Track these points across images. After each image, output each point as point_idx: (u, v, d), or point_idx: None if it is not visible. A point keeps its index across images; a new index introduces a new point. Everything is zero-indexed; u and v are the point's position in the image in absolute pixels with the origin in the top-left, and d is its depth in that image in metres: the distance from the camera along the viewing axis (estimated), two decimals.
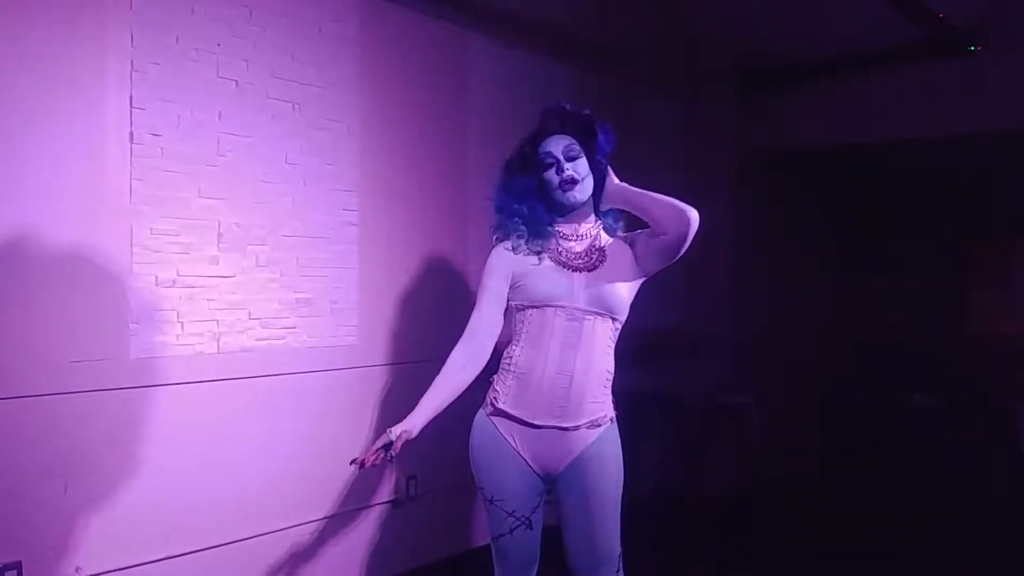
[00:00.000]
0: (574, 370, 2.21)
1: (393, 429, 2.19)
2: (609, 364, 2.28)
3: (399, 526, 3.59)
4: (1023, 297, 6.70)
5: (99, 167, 2.64)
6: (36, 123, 2.51)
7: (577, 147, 2.28)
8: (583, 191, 2.28)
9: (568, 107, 2.33)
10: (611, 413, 2.30)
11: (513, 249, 2.31)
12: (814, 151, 5.57)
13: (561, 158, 2.27)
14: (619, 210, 2.37)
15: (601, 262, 2.27)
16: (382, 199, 3.50)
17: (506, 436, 2.28)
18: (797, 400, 5.79)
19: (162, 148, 2.79)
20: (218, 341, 2.96)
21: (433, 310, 3.64)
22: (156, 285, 2.79)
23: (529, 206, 2.31)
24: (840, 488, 5.22)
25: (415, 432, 2.22)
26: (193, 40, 2.86)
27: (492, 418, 2.30)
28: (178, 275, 2.84)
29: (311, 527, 3.26)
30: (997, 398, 6.10)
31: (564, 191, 2.26)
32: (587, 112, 2.32)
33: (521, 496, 2.28)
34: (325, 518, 3.31)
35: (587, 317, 2.23)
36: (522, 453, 2.27)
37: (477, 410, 2.35)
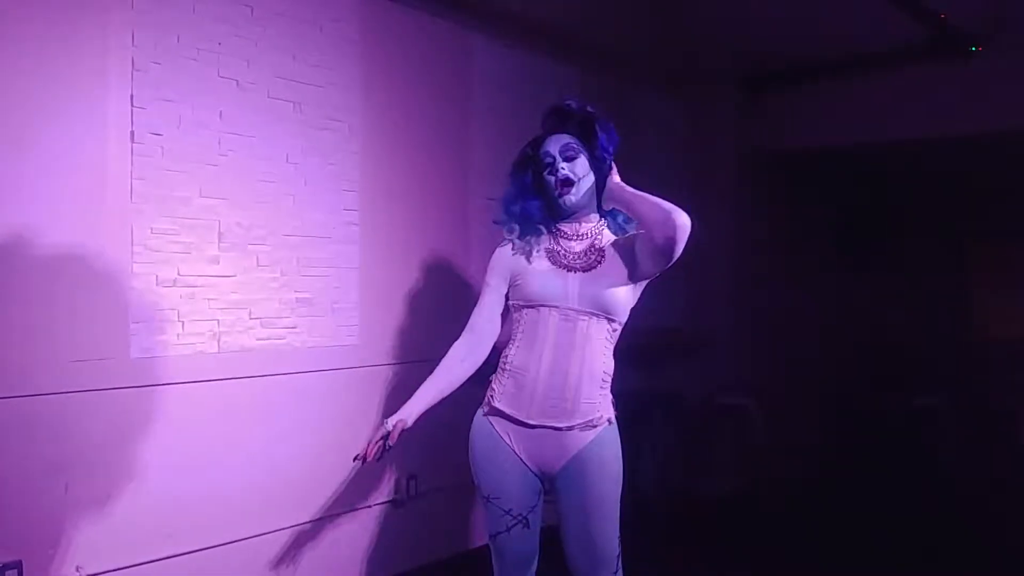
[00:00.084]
0: (568, 370, 2.21)
1: (389, 419, 2.22)
2: (606, 365, 2.27)
3: (399, 526, 3.59)
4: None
5: (100, 166, 2.64)
6: (37, 122, 2.51)
7: (576, 146, 2.27)
8: (578, 193, 2.26)
9: (572, 105, 2.31)
10: (608, 414, 2.28)
11: (512, 248, 2.32)
12: (814, 151, 5.57)
13: (558, 157, 2.27)
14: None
15: (599, 262, 2.26)
16: (383, 199, 3.50)
17: (502, 435, 2.28)
18: (797, 400, 5.79)
19: (163, 147, 2.79)
20: (219, 341, 2.96)
21: (434, 310, 3.64)
22: (157, 284, 2.79)
23: (523, 206, 2.31)
24: (840, 488, 5.22)
25: (410, 421, 2.24)
26: (194, 39, 2.86)
27: (489, 417, 2.31)
28: (179, 274, 2.84)
29: (311, 527, 3.26)
30: (997, 398, 6.11)
31: (560, 195, 2.26)
32: (590, 109, 2.30)
33: (518, 494, 2.28)
34: (325, 518, 3.31)
35: (581, 317, 2.22)
36: (518, 452, 2.27)
37: (478, 410, 2.36)
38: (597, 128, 2.27)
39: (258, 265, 3.08)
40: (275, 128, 3.11)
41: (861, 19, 4.55)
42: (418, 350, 3.51)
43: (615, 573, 2.26)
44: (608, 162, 2.30)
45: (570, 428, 2.23)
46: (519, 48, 4.14)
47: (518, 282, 2.29)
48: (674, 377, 5.13)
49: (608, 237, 2.32)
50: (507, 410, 2.26)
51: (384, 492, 3.55)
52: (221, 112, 2.94)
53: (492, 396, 2.31)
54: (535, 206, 2.31)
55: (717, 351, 5.30)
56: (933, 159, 6.03)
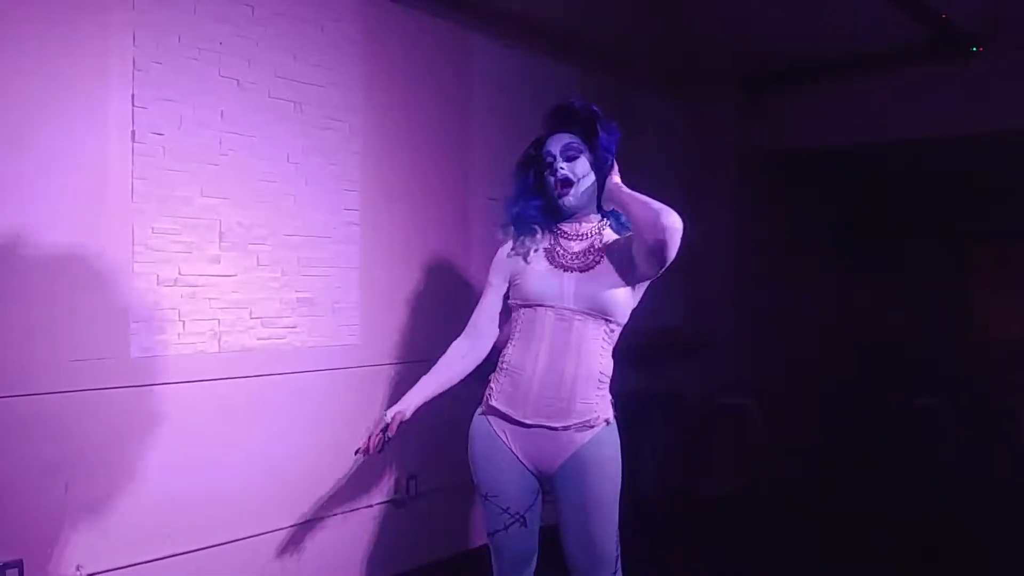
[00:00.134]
0: (564, 370, 2.21)
1: (388, 411, 2.24)
2: (603, 366, 2.26)
3: (399, 526, 3.59)
4: None
5: (101, 166, 2.64)
6: (38, 122, 2.51)
7: (577, 145, 2.27)
8: (577, 193, 2.26)
9: (575, 104, 2.31)
10: (606, 415, 2.27)
11: (512, 248, 2.34)
12: (814, 151, 5.56)
13: (558, 157, 2.27)
14: None
15: (597, 263, 2.25)
16: (384, 199, 3.50)
17: (499, 433, 2.29)
18: (797, 400, 5.79)
19: (164, 147, 2.79)
20: (219, 340, 2.96)
21: (434, 310, 3.64)
22: (157, 284, 2.79)
23: (522, 206, 2.32)
24: (840, 488, 5.22)
25: (409, 413, 2.27)
26: (195, 39, 2.87)
27: (486, 416, 2.32)
28: (179, 274, 2.85)
29: (311, 527, 3.26)
30: (997, 398, 6.10)
31: (559, 195, 2.27)
32: (593, 108, 2.29)
33: (515, 493, 2.29)
34: (325, 517, 3.31)
35: (577, 317, 2.22)
36: (515, 451, 2.28)
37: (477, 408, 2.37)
38: (599, 127, 2.27)
39: (259, 265, 3.08)
40: (276, 128, 3.11)
41: (861, 19, 4.55)
42: (418, 350, 3.51)
43: (614, 573, 2.26)
44: (609, 162, 2.30)
45: (566, 428, 2.23)
46: (519, 48, 4.14)
47: (516, 281, 2.30)
48: (674, 377, 5.13)
49: (609, 237, 2.31)
50: (504, 409, 2.27)
51: (384, 492, 3.55)
52: (222, 112, 2.95)
53: (490, 395, 2.32)
54: (534, 206, 2.32)
55: (717, 351, 5.30)
56: (933, 159, 6.03)
